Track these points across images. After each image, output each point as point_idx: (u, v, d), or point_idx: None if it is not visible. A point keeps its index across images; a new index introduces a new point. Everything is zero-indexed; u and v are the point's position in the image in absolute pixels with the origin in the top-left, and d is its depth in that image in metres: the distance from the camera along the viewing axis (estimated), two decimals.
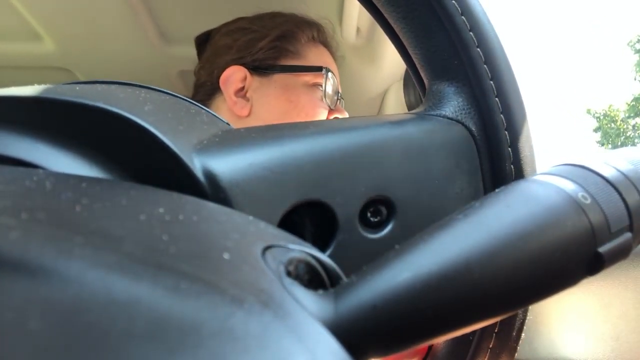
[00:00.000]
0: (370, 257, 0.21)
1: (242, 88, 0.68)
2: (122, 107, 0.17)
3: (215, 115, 0.23)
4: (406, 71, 0.85)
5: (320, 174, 0.20)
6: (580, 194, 0.17)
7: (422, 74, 0.27)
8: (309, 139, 0.20)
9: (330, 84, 0.70)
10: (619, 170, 0.18)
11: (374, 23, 0.76)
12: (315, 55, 0.71)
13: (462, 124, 0.25)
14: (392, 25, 0.27)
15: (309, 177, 0.20)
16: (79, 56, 0.84)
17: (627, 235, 0.17)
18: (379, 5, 0.27)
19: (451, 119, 0.25)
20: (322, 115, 0.68)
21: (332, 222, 0.20)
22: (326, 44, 0.75)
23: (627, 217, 0.17)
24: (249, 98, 0.68)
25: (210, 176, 0.17)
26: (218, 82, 0.69)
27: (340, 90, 0.75)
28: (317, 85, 0.69)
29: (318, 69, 0.69)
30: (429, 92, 0.26)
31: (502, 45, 0.25)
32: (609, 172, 0.18)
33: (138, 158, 0.17)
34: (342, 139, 0.21)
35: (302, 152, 0.20)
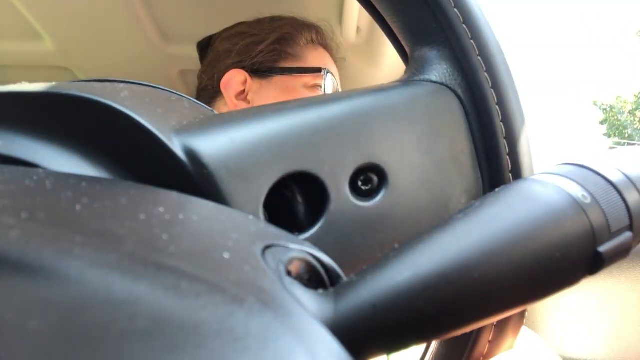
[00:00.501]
0: (364, 226, 0.21)
1: (243, 91, 0.70)
2: (98, 94, 0.17)
3: (198, 103, 0.23)
4: None
5: (305, 144, 0.20)
6: (581, 193, 0.17)
7: (404, 43, 0.27)
8: (291, 113, 0.20)
9: (329, 85, 0.70)
10: (619, 170, 0.18)
11: (374, 22, 0.75)
12: (315, 57, 0.72)
13: (447, 86, 0.24)
14: None
15: (294, 148, 0.19)
16: (79, 55, 0.84)
17: (627, 234, 0.17)
18: None
19: (435, 82, 0.24)
20: None
21: (322, 193, 0.20)
22: (326, 46, 0.75)
23: (627, 217, 0.17)
24: (249, 100, 0.69)
25: (191, 154, 0.17)
26: (219, 86, 0.70)
27: (340, 91, 0.75)
28: (316, 86, 0.70)
29: (317, 70, 0.69)
30: (411, 59, 0.26)
31: (479, 4, 0.25)
32: (609, 172, 0.18)
33: (118, 142, 0.17)
34: (326, 110, 0.21)
35: (285, 125, 0.20)
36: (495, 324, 0.26)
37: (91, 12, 0.75)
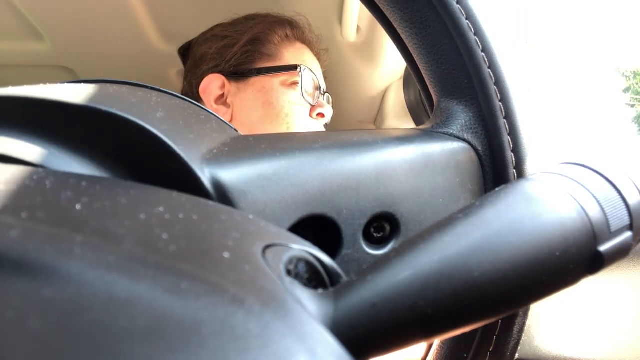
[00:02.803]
0: None
1: (222, 95, 0.69)
2: (135, 113, 0.17)
3: (223, 122, 0.23)
4: (406, 70, 0.85)
5: (327, 188, 0.20)
6: (581, 193, 0.17)
7: (432, 90, 0.27)
8: (317, 153, 0.21)
9: (307, 82, 0.69)
10: (619, 169, 0.18)
11: (374, 22, 0.75)
12: (291, 54, 0.71)
13: (469, 142, 0.25)
14: (405, 41, 0.27)
15: (316, 191, 0.20)
16: (79, 55, 0.84)
17: (627, 234, 0.17)
18: (392, 21, 0.27)
19: (458, 137, 0.25)
20: (303, 113, 0.68)
21: (336, 236, 0.21)
22: (304, 40, 0.74)
23: (628, 216, 0.17)
24: (229, 104, 0.69)
25: (218, 186, 0.17)
26: (199, 92, 0.69)
27: (322, 85, 0.73)
28: (294, 84, 0.68)
29: (293, 67, 0.68)
30: (437, 109, 0.26)
31: (513, 67, 0.25)
32: (609, 171, 0.18)
33: (148, 165, 0.17)
34: (350, 155, 0.21)
35: (310, 166, 0.20)
36: (499, 325, 0.26)
37: (91, 12, 0.75)
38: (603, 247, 0.16)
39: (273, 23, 0.71)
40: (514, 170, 0.25)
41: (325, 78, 0.78)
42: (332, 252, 0.21)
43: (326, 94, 0.75)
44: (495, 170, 0.25)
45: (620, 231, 0.17)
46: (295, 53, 0.71)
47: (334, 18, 0.78)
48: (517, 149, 0.25)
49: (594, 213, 0.16)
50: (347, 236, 0.20)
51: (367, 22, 0.77)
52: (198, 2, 0.76)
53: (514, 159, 0.25)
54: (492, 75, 0.24)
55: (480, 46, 0.24)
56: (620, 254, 0.17)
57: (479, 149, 0.25)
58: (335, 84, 0.88)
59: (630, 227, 0.17)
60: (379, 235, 0.22)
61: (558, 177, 0.17)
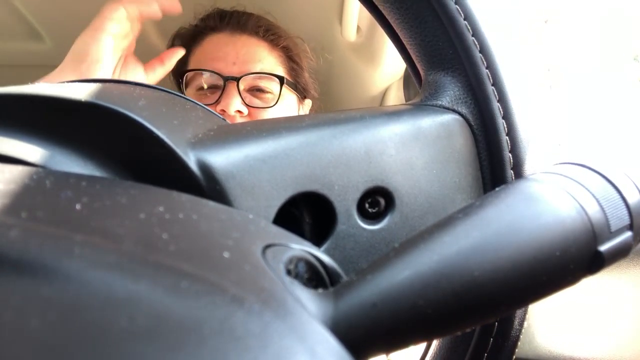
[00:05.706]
0: (370, 249, 0.21)
1: None
2: (116, 102, 0.17)
3: (211, 111, 0.23)
4: (406, 70, 0.85)
5: (316, 165, 0.20)
6: (581, 192, 0.17)
7: (418, 65, 0.27)
8: (304, 131, 0.20)
9: (197, 82, 0.64)
10: (619, 169, 0.18)
11: (374, 22, 0.75)
12: (197, 57, 0.66)
13: (459, 113, 0.25)
14: (387, 16, 0.27)
15: (306, 168, 0.20)
16: None
17: (628, 234, 0.17)
18: None
19: (448, 108, 0.25)
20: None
21: (330, 214, 0.21)
22: (214, 28, 0.67)
23: (628, 216, 0.17)
24: None
25: (205, 169, 0.17)
26: None
27: (233, 70, 0.63)
28: (206, 89, 0.64)
29: (180, 75, 0.65)
30: (424, 83, 0.26)
31: (497, 34, 0.25)
32: (609, 171, 0.18)
33: (133, 153, 0.17)
34: (338, 131, 0.21)
35: (298, 144, 0.20)
36: (497, 324, 0.26)
37: (91, 12, 0.75)
38: (603, 247, 0.16)
39: (184, 34, 0.68)
40: (507, 137, 0.24)
41: (289, 50, 0.68)
42: (328, 229, 0.21)
43: (250, 76, 0.62)
44: (488, 138, 0.25)
45: (620, 231, 0.17)
46: (199, 54, 0.66)
47: (334, 18, 0.78)
48: (508, 116, 0.24)
49: (594, 213, 0.16)
50: (340, 212, 0.20)
51: (367, 22, 0.77)
52: (198, 2, 0.76)
53: (505, 126, 0.24)
54: (476, 42, 0.24)
55: (462, 14, 0.24)
56: (621, 253, 0.17)
57: (469, 118, 0.25)
58: (335, 84, 0.88)
59: (630, 226, 0.17)
60: (374, 210, 0.22)
61: (558, 176, 0.17)
